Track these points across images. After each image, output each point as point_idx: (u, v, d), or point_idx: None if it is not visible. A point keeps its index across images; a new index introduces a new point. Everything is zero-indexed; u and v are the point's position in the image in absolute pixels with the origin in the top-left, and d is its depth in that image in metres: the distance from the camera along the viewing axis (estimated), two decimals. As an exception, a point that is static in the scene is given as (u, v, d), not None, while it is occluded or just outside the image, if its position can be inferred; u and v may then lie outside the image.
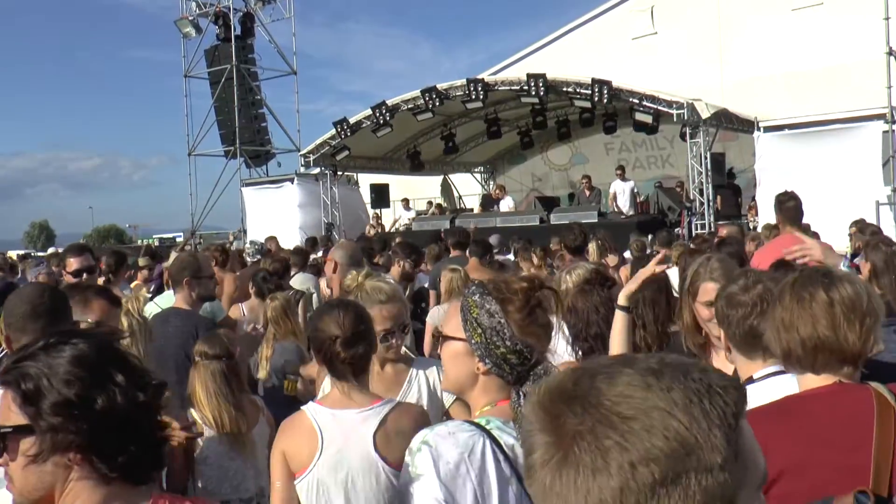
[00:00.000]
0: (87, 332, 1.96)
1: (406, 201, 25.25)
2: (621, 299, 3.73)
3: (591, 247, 9.96)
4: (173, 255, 7.74)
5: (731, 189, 20.17)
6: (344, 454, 2.98)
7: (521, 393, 2.25)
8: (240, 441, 3.96)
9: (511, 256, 12.18)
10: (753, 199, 19.51)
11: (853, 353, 2.34)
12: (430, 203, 25.87)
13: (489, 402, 2.35)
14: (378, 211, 25.64)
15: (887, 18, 16.78)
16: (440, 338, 2.48)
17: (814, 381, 2.39)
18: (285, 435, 3.14)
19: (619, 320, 3.76)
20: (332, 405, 3.11)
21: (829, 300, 2.34)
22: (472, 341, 2.33)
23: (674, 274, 7.63)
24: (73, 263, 5.87)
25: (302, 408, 3.19)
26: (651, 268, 3.75)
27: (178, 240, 34.34)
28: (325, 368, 3.28)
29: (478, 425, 2.25)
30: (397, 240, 13.87)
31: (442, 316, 6.86)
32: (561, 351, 5.07)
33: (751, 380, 2.88)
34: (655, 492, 0.95)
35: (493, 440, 2.21)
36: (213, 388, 3.96)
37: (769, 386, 2.81)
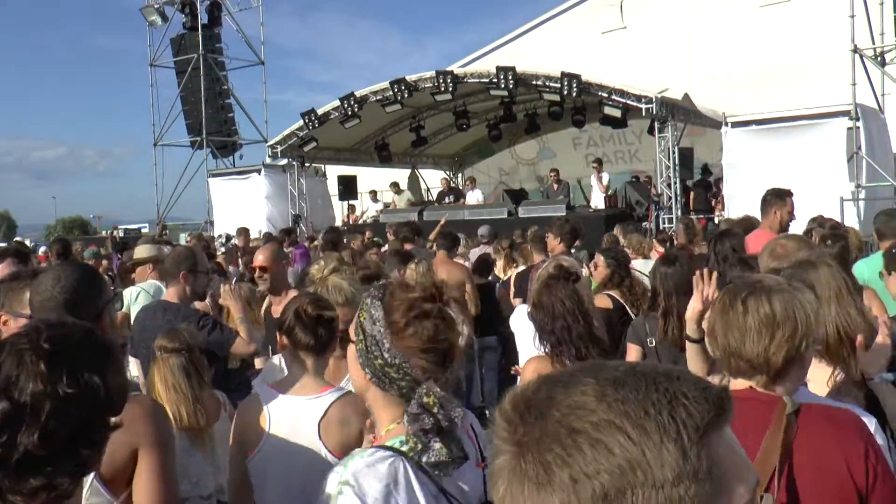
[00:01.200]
0: None
1: (374, 193, 25.15)
2: (690, 331, 3.72)
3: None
4: (140, 249, 7.56)
5: (703, 185, 20.28)
6: (290, 439, 3.08)
7: (407, 415, 2.08)
8: (200, 437, 3.89)
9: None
10: (718, 193, 19.66)
11: (766, 363, 2.38)
12: (393, 184, 25.59)
13: (392, 420, 2.19)
14: (352, 202, 25.54)
15: (852, 16, 16.92)
16: (342, 337, 2.40)
17: (734, 384, 2.47)
18: (240, 416, 3.28)
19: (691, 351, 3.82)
20: (285, 390, 3.23)
21: (745, 310, 2.40)
22: (357, 346, 2.20)
23: (644, 266, 7.66)
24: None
25: (256, 390, 3.32)
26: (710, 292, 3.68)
27: (143, 231, 34.00)
28: (292, 347, 3.34)
29: (393, 449, 2.08)
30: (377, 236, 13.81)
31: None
32: (530, 345, 5.08)
33: None
34: None
35: (412, 462, 2.06)
36: (172, 382, 3.87)
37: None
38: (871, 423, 2.55)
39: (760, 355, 2.37)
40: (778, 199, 6.83)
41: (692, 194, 19.75)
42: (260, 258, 5.97)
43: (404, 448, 2.07)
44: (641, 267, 7.81)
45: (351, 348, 2.25)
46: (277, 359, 4.11)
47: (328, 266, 4.71)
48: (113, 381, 1.76)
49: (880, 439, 2.50)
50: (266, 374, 4.11)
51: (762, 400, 2.36)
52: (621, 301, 6.41)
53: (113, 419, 1.77)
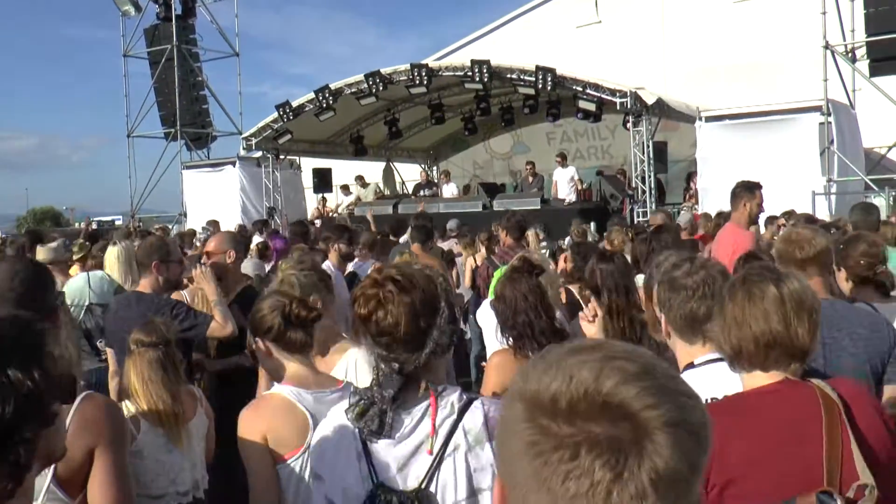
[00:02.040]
0: None
1: (346, 187, 25.10)
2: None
3: (530, 234, 10.02)
4: (112, 248, 7.48)
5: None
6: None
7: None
8: (176, 433, 3.84)
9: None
10: (690, 186, 19.81)
11: (803, 348, 2.38)
12: (358, 178, 25.55)
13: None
14: (324, 195, 25.47)
15: (824, 13, 17.11)
16: None
17: (760, 378, 2.42)
18: (265, 418, 3.08)
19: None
20: (308, 386, 3.14)
21: (780, 296, 2.37)
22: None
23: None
24: None
25: (277, 390, 3.17)
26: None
27: (117, 223, 33.73)
28: (284, 351, 3.27)
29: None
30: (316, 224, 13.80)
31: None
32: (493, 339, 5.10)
33: (691, 365, 2.90)
34: None
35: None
36: (148, 376, 3.83)
37: (709, 372, 2.84)
38: None
39: (804, 338, 2.36)
40: (747, 191, 6.89)
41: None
42: (210, 245, 5.97)
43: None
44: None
45: None
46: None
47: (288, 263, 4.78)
48: (42, 375, 1.63)
49: None
50: None
51: (803, 391, 2.34)
52: (577, 296, 6.44)
53: (49, 412, 1.66)
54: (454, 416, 2.32)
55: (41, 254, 7.25)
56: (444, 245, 11.88)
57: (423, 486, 2.27)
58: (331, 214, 23.04)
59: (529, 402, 1.06)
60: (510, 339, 4.15)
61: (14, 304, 2.84)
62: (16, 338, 1.66)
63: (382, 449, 2.31)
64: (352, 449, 2.33)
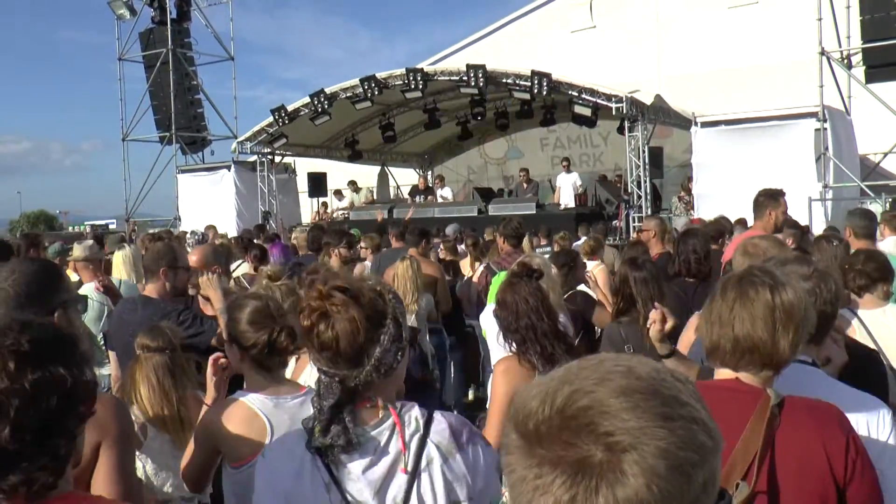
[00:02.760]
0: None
1: (339, 192, 25.06)
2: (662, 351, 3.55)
3: (524, 241, 10.01)
4: (119, 252, 7.46)
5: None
6: None
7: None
8: (183, 438, 3.81)
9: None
10: (684, 191, 19.81)
11: (781, 359, 2.37)
12: (351, 182, 25.56)
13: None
14: (324, 200, 25.47)
15: (820, 19, 17.13)
16: None
17: (722, 374, 2.45)
18: (227, 425, 3.11)
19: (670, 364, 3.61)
20: (270, 393, 3.17)
21: (772, 303, 2.34)
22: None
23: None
24: None
25: (237, 397, 3.20)
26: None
27: (111, 226, 33.62)
28: (249, 360, 3.31)
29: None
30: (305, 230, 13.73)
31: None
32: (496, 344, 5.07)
33: None
34: None
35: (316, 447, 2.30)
36: (155, 382, 3.80)
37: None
38: (888, 413, 2.60)
39: (785, 351, 2.34)
40: (772, 200, 6.83)
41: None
42: (194, 258, 5.88)
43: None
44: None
45: None
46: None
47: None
48: (79, 373, 1.77)
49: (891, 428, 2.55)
50: None
51: (744, 391, 2.36)
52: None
53: (84, 409, 1.78)
54: (421, 432, 2.28)
55: (76, 251, 7.20)
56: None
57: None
58: (330, 219, 22.97)
59: (512, 419, 1.09)
60: (513, 344, 4.13)
61: (15, 304, 2.83)
62: (56, 338, 1.78)
63: (353, 474, 2.23)
64: (317, 480, 2.22)
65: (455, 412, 9.62)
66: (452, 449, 2.28)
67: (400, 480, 2.24)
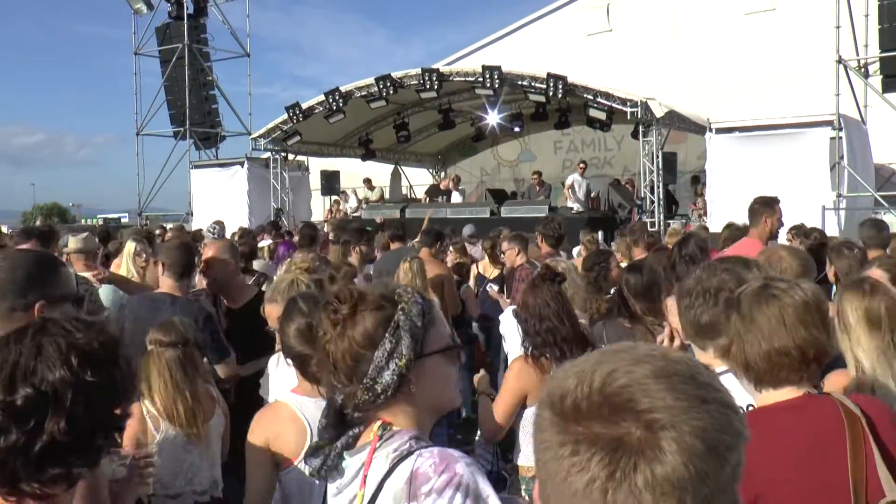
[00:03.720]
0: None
1: (344, 193, 25.16)
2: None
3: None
4: (130, 244, 7.44)
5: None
6: None
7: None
8: (195, 432, 3.84)
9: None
10: (698, 198, 19.77)
11: (824, 352, 2.33)
12: (366, 181, 25.66)
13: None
14: (336, 198, 25.51)
15: (838, 27, 17.02)
16: None
17: (781, 392, 2.33)
18: (266, 426, 3.11)
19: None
20: (310, 394, 3.12)
21: (812, 303, 2.30)
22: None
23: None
24: None
25: (278, 397, 3.22)
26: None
27: (123, 220, 33.71)
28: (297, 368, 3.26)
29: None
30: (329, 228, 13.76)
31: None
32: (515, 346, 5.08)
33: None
34: None
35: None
36: (168, 377, 3.82)
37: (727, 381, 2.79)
38: None
39: (828, 345, 2.31)
40: (767, 207, 6.83)
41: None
42: (209, 254, 5.86)
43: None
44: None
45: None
46: (275, 359, 4.04)
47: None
48: (125, 372, 1.82)
49: None
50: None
51: (824, 406, 2.28)
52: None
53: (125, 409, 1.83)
54: (383, 473, 1.97)
55: (71, 243, 7.21)
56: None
57: None
58: (345, 216, 23.00)
59: (546, 400, 1.09)
60: (531, 346, 4.15)
61: (15, 296, 2.81)
62: (103, 337, 1.81)
63: (330, 499, 2.07)
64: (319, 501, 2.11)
65: (462, 414, 9.60)
66: (402, 497, 1.92)
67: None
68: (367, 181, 25.51)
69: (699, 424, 1.01)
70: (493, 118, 23.78)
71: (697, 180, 20.67)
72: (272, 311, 4.01)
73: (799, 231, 9.53)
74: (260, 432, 3.10)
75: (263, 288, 5.82)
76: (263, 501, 3.05)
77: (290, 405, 3.10)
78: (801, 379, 2.32)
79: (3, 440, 1.63)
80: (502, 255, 9.53)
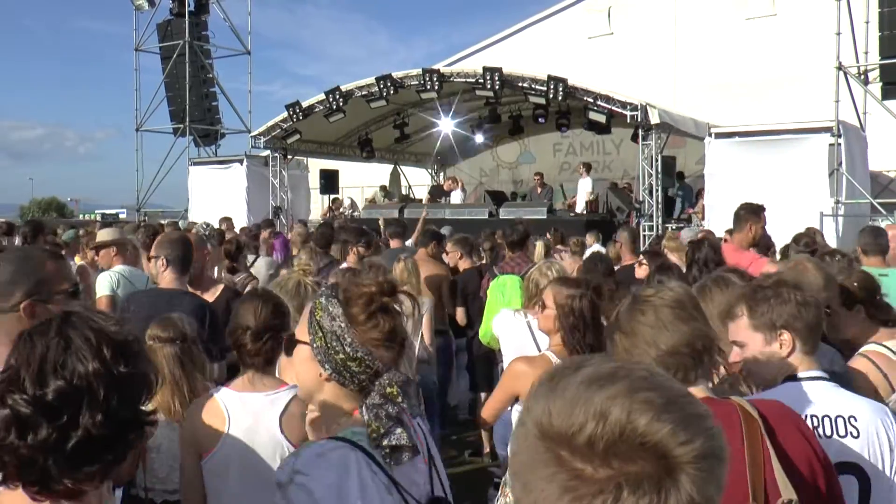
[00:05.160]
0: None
1: (337, 200, 25.21)
2: None
3: (539, 245, 9.98)
4: (102, 232, 7.40)
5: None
6: (251, 435, 3.08)
7: (366, 405, 2.16)
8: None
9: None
10: (697, 203, 19.77)
11: (711, 342, 2.39)
12: (382, 188, 25.89)
13: (344, 413, 2.25)
14: (339, 196, 25.54)
15: (839, 34, 17.03)
16: (290, 340, 2.33)
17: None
18: (194, 417, 3.25)
19: None
20: (241, 389, 3.25)
21: (676, 301, 2.39)
22: (314, 345, 2.23)
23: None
24: None
25: (211, 391, 3.33)
26: None
27: (121, 216, 33.66)
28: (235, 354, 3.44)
29: (344, 439, 2.13)
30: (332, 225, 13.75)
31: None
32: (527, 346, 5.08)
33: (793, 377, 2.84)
34: None
35: (365, 453, 2.11)
36: (166, 372, 3.80)
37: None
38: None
39: (705, 338, 2.36)
40: (753, 215, 6.86)
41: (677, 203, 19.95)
42: None
43: (367, 431, 2.13)
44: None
45: (299, 350, 2.29)
46: None
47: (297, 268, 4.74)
48: (150, 365, 1.83)
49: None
50: None
51: (724, 408, 2.31)
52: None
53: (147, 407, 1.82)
54: (417, 422, 2.32)
55: (103, 235, 7.18)
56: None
57: (435, 493, 2.28)
58: (344, 216, 23.02)
59: (557, 441, 1.08)
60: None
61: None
62: (126, 332, 1.78)
63: (404, 473, 2.19)
64: (378, 483, 2.11)
65: (459, 416, 9.64)
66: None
67: (424, 470, 2.27)
68: (384, 188, 25.72)
69: (714, 446, 1.09)
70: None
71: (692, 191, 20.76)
72: None
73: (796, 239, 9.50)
74: (187, 424, 3.30)
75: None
76: (190, 485, 3.17)
77: (214, 397, 3.23)
78: (697, 377, 2.37)
79: (32, 437, 1.59)
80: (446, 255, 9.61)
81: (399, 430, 2.13)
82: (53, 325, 1.73)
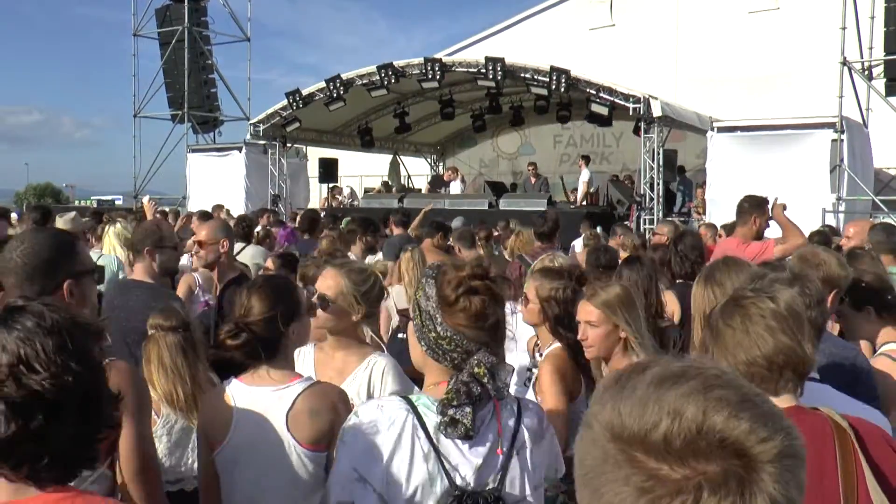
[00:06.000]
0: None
1: (336, 187, 25.12)
2: None
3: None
4: (60, 222, 7.38)
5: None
6: (258, 429, 2.99)
7: (454, 379, 2.29)
8: (195, 417, 3.78)
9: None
10: (697, 195, 19.73)
11: (809, 365, 2.30)
12: (384, 183, 25.91)
13: (433, 382, 2.42)
14: (338, 185, 25.49)
15: (843, 28, 16.93)
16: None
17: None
18: (205, 409, 3.22)
19: None
20: (250, 382, 3.12)
21: (780, 311, 2.27)
22: (414, 322, 2.45)
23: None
24: None
25: (223, 383, 3.22)
26: None
27: (117, 202, 33.55)
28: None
29: (408, 401, 2.36)
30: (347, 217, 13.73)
31: (395, 296, 6.73)
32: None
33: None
34: None
35: (418, 417, 2.32)
36: (168, 362, 3.76)
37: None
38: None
39: (800, 350, 2.25)
40: (757, 208, 6.81)
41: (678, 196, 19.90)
42: (202, 234, 5.60)
43: (417, 403, 2.35)
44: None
45: (410, 324, 2.50)
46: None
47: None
48: (101, 355, 1.83)
49: None
50: None
51: (815, 420, 2.23)
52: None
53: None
54: (515, 416, 2.42)
55: (59, 223, 7.13)
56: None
57: (498, 485, 2.34)
58: (342, 205, 22.97)
59: (630, 441, 1.04)
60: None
61: (24, 274, 2.81)
62: (79, 320, 1.80)
63: (455, 450, 2.32)
64: (417, 448, 2.30)
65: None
66: (540, 436, 2.46)
67: (495, 462, 2.35)
68: (385, 184, 25.72)
69: (793, 444, 1.06)
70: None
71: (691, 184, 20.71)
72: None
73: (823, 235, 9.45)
74: (199, 418, 3.29)
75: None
76: (204, 476, 3.17)
77: (225, 390, 3.15)
78: (778, 390, 2.27)
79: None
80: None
81: (468, 410, 2.26)
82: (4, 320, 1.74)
